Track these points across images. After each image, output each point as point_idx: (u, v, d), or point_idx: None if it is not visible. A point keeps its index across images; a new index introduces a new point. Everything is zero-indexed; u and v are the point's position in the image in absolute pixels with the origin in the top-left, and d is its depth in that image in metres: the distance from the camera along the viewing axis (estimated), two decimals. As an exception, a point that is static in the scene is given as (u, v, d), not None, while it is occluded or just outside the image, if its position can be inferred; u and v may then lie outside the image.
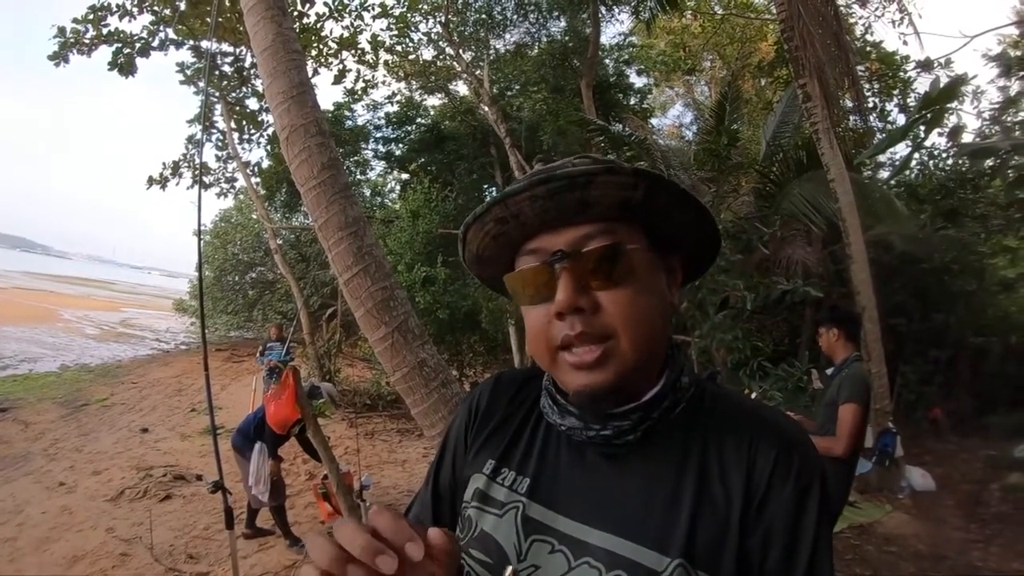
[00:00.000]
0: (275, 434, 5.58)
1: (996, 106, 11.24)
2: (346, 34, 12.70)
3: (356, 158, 17.29)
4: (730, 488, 0.82)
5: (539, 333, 0.84)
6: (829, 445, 3.43)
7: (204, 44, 11.33)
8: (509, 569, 0.84)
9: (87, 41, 10.31)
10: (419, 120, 17.58)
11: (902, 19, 11.82)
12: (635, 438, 0.85)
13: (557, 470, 0.91)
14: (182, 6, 10.27)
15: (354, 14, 12.50)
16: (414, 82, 16.37)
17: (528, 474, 0.92)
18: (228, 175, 14.98)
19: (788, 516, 0.80)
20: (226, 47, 11.80)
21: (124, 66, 10.66)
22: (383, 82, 15.98)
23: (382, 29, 13.60)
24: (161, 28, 10.75)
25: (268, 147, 14.34)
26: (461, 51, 13.93)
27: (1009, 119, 10.26)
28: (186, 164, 13.45)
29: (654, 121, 18.56)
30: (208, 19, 10.13)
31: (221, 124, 13.35)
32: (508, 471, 0.94)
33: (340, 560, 0.54)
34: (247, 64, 12.05)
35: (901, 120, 12.69)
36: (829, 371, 3.91)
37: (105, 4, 10.14)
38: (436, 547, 0.60)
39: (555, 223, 0.82)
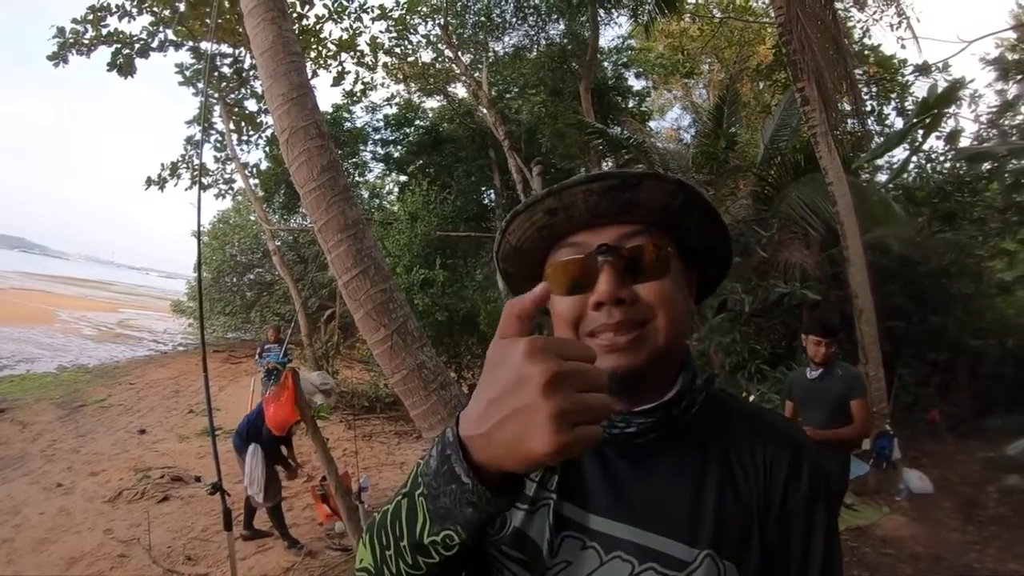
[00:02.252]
0: (272, 435, 5.59)
1: (994, 110, 11.27)
2: (345, 36, 12.74)
3: (355, 160, 17.28)
4: (751, 485, 0.87)
5: (571, 321, 0.88)
6: (853, 434, 4.04)
7: (203, 45, 11.35)
8: None
9: (86, 42, 10.31)
10: (418, 122, 17.60)
11: (900, 23, 11.86)
12: (657, 436, 0.89)
13: (582, 468, 0.93)
14: (182, 7, 10.28)
15: (353, 16, 12.55)
16: (413, 84, 16.40)
17: (555, 471, 0.94)
18: (227, 176, 15.00)
19: (803, 515, 0.86)
20: (225, 48, 11.82)
21: (123, 67, 10.66)
22: (382, 84, 16.03)
23: (381, 31, 13.67)
24: (160, 29, 10.76)
25: (267, 148, 14.36)
26: (460, 53, 13.94)
27: (1006, 123, 10.29)
28: (185, 165, 13.46)
29: (652, 124, 18.56)
30: (208, 20, 10.14)
31: (220, 125, 13.37)
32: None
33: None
34: (246, 65, 12.05)
35: (899, 124, 12.71)
36: (814, 373, 4.23)
37: (104, 4, 10.14)
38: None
39: (599, 220, 0.88)
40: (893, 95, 13.55)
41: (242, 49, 11.60)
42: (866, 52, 13.22)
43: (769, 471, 0.87)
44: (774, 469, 0.87)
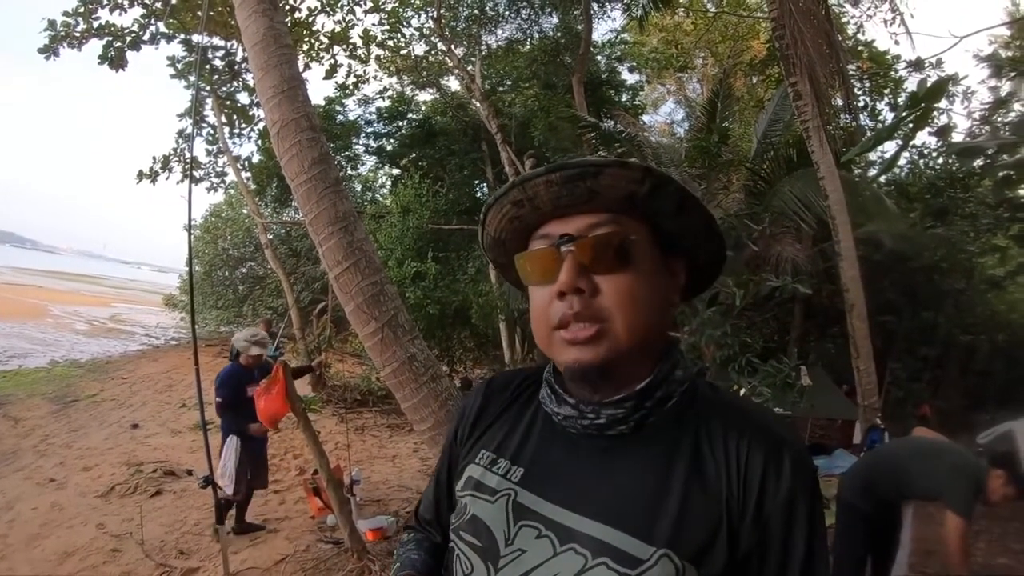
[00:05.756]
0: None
1: (986, 106, 11.29)
2: (338, 29, 12.71)
3: (347, 153, 17.27)
4: (721, 484, 0.83)
5: (541, 312, 0.89)
6: None
7: (195, 38, 11.28)
8: None
9: (77, 35, 10.24)
10: (410, 115, 17.59)
11: (894, 19, 11.85)
12: (628, 428, 0.88)
13: (551, 461, 0.93)
14: (173, 0, 10.22)
15: (346, 9, 12.51)
16: (405, 77, 16.38)
17: (522, 464, 0.95)
18: (218, 169, 14.91)
19: (782, 519, 0.82)
20: (217, 41, 11.78)
21: (114, 60, 10.60)
22: (374, 77, 16.06)
23: (374, 24, 13.67)
24: (152, 22, 10.69)
25: (259, 141, 14.30)
26: (453, 46, 13.89)
27: (999, 119, 10.32)
28: (176, 158, 13.38)
29: (645, 118, 18.60)
30: (199, 13, 10.08)
31: (212, 118, 13.30)
32: (503, 461, 0.97)
33: None
34: (238, 58, 12.01)
35: (892, 119, 12.74)
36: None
37: (95, -3, 10.08)
38: None
39: (566, 210, 0.88)
40: (886, 91, 13.60)
41: (234, 42, 11.56)
42: (860, 48, 13.25)
43: (744, 469, 0.83)
44: (750, 467, 0.83)
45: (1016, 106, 9.90)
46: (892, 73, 13.51)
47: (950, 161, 11.15)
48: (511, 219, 0.92)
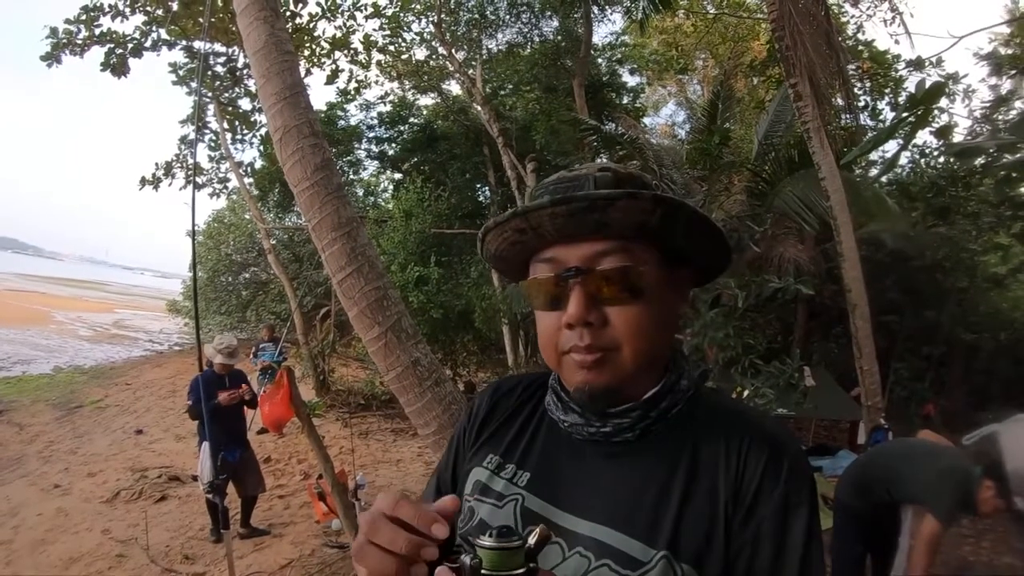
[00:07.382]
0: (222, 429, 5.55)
1: (987, 105, 11.29)
2: (339, 34, 12.66)
3: (349, 158, 17.28)
4: (719, 488, 0.85)
5: (549, 337, 0.89)
6: None
7: (197, 45, 11.28)
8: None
9: (79, 42, 10.24)
10: (412, 120, 17.58)
11: (893, 19, 11.84)
12: (633, 436, 0.89)
13: (557, 466, 0.94)
14: (175, 7, 10.23)
15: (347, 14, 12.47)
16: (407, 82, 16.36)
17: (528, 469, 0.96)
18: (221, 175, 14.86)
19: (777, 517, 0.83)
20: (219, 48, 11.76)
21: (116, 67, 10.61)
22: (376, 82, 16.02)
23: (375, 29, 13.61)
24: (154, 28, 10.69)
25: (261, 147, 14.30)
26: (453, 51, 13.92)
27: (999, 118, 10.31)
28: (179, 164, 13.35)
29: (646, 120, 18.60)
30: (201, 20, 10.09)
31: (214, 124, 13.28)
32: (510, 465, 0.98)
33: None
34: (240, 65, 12.01)
35: (892, 119, 12.74)
36: None
37: (97, 4, 10.08)
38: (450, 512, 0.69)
39: (572, 238, 0.86)
40: (887, 90, 13.60)
41: (235, 48, 11.57)
42: (860, 48, 13.25)
43: (744, 470, 0.84)
44: (749, 468, 0.84)
45: (1017, 104, 9.90)
46: (892, 73, 13.51)
47: (951, 160, 11.14)
48: (512, 243, 0.91)
